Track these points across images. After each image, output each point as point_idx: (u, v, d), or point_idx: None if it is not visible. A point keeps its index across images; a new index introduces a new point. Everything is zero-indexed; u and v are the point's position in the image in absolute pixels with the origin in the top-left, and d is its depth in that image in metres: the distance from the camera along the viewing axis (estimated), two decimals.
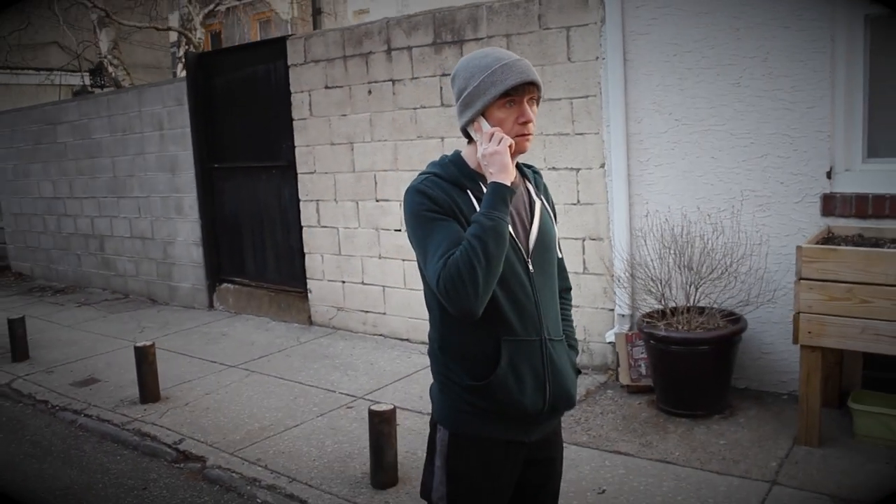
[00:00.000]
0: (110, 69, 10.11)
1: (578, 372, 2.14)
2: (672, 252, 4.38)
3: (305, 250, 6.71)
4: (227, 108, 7.23)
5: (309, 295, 6.74)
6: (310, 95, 6.41)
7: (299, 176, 6.62)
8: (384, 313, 6.18)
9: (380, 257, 6.15)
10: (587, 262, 4.96)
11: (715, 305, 4.28)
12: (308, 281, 6.73)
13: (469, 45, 5.34)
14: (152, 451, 4.36)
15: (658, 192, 4.64)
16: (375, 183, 6.08)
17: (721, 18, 4.30)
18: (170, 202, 7.89)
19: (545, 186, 2.11)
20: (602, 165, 4.85)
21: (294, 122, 6.56)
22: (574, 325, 2.24)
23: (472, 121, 1.88)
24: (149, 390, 5.02)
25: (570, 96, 4.92)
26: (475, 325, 1.87)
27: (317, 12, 6.05)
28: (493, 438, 1.93)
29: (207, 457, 4.15)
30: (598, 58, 4.77)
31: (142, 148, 8.08)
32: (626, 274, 4.64)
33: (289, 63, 6.52)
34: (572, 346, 2.14)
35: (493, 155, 1.80)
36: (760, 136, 4.27)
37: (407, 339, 6.01)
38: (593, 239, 4.93)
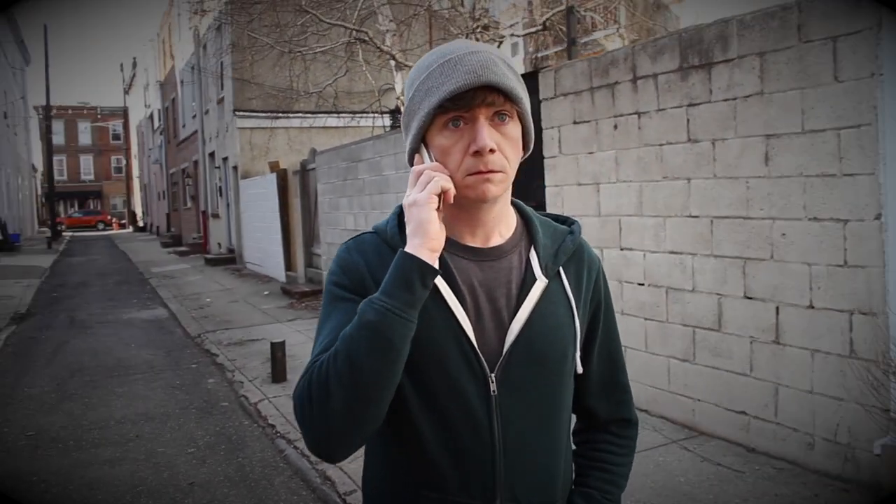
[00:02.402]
0: (403, 109, 10.58)
1: None
2: None
3: None
4: None
5: None
6: (559, 131, 5.92)
7: None
8: None
9: (622, 313, 5.40)
10: (854, 344, 3.74)
11: None
12: None
13: (718, 68, 4.43)
14: (324, 497, 4.24)
15: None
16: (620, 229, 5.37)
17: None
18: None
19: (588, 261, 1.39)
20: (878, 217, 3.63)
21: (545, 161, 6.12)
22: (622, 480, 1.45)
23: (415, 152, 1.29)
24: None
25: (836, 126, 3.78)
26: (393, 462, 1.31)
27: (571, 42, 5.56)
28: None
29: None
30: (873, 74, 3.58)
31: None
32: None
33: (540, 97, 6.10)
34: None
35: (410, 208, 1.19)
36: None
37: (646, 411, 5.18)
38: (863, 313, 3.71)
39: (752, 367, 4.38)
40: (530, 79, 6.33)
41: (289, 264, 14.25)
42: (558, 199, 5.99)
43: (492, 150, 1.21)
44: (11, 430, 5.74)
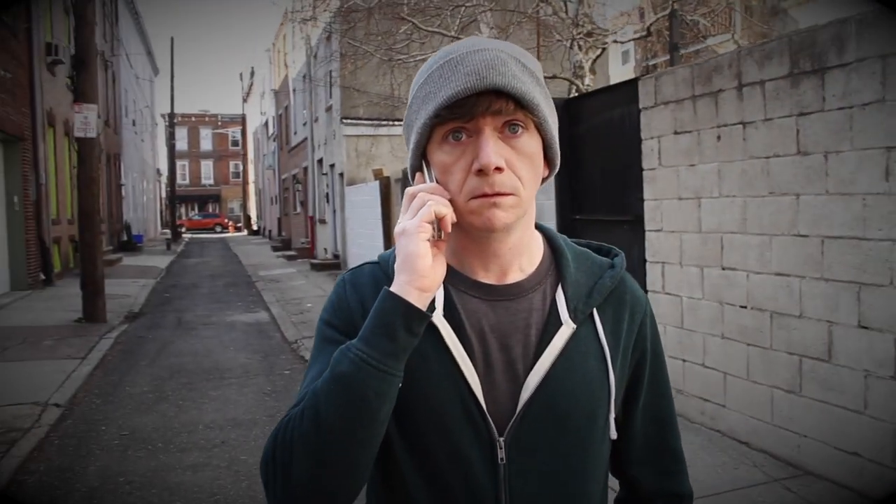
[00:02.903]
0: None
1: None
2: None
3: None
4: (588, 156, 6.77)
5: None
6: (659, 142, 5.60)
7: (647, 233, 5.82)
8: (723, 405, 5.04)
9: (722, 337, 5.03)
10: None
11: None
12: None
13: (832, 73, 4.04)
14: None
15: None
16: (721, 247, 5.01)
17: None
18: None
19: (631, 301, 1.16)
20: None
21: (644, 173, 5.81)
22: None
23: (417, 169, 1.10)
24: None
25: None
26: None
27: (674, 48, 5.19)
28: None
29: None
30: None
31: None
32: None
33: (640, 106, 5.80)
34: None
35: (399, 237, 1.01)
36: None
37: (745, 443, 4.79)
38: None
39: (866, 404, 3.96)
40: (629, 87, 6.05)
41: None
42: (657, 214, 5.67)
43: (499, 169, 1.00)
44: (109, 428, 5.93)
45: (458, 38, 9.79)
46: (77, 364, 7.88)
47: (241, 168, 66.14)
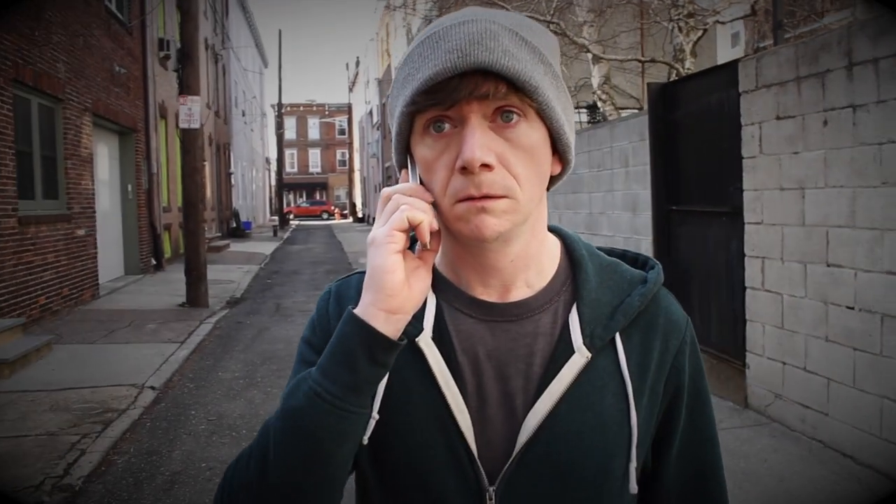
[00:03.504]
0: (599, 104, 10.06)
1: None
2: None
3: (747, 316, 5.50)
4: (685, 144, 6.41)
5: (746, 371, 5.50)
6: (760, 128, 5.22)
7: (746, 226, 5.45)
8: (826, 414, 4.65)
9: (826, 339, 4.64)
10: None
11: None
12: (747, 354, 5.50)
13: None
14: None
15: None
16: (827, 242, 4.61)
17: None
18: (630, 244, 7.41)
19: (665, 325, 0.96)
20: None
21: (743, 161, 5.43)
22: None
23: (402, 166, 0.94)
24: None
25: None
26: None
27: (777, 26, 4.73)
28: None
29: None
30: None
31: (611, 185, 7.78)
32: None
33: (740, 90, 5.42)
34: None
35: (369, 248, 0.84)
36: None
37: (850, 457, 4.40)
38: None
39: None
40: (728, 70, 5.67)
41: None
42: (757, 205, 5.29)
43: (486, 166, 0.82)
44: (198, 413, 6.07)
45: (552, 22, 9.53)
46: (175, 348, 8.15)
47: (347, 156, 67.60)
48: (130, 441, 5.33)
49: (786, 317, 5.03)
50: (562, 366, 0.90)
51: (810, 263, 4.77)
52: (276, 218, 44.84)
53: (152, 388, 6.59)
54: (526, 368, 0.92)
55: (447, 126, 0.84)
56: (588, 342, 0.91)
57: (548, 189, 0.95)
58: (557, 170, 0.93)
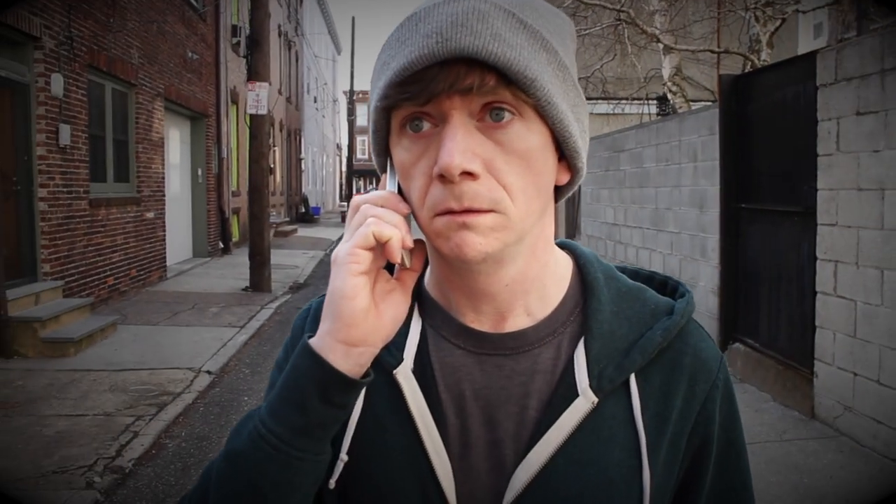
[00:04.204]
0: (669, 96, 9.71)
1: None
2: None
3: (817, 323, 5.20)
4: (756, 139, 6.11)
5: (814, 380, 5.21)
6: (838, 124, 4.91)
7: (819, 227, 5.15)
8: None
9: None
10: None
11: None
12: (815, 362, 5.21)
13: None
14: None
15: None
16: None
17: None
18: (696, 242, 7.14)
19: (691, 366, 0.80)
20: None
21: (818, 159, 5.13)
22: None
23: (383, 169, 0.80)
24: None
25: None
26: None
27: (862, 15, 4.41)
28: None
29: None
30: None
31: (678, 180, 7.51)
32: None
33: (817, 83, 5.11)
34: None
35: (332, 265, 0.72)
36: None
37: None
38: None
39: None
40: (806, 61, 5.36)
41: None
42: (832, 206, 4.99)
43: (469, 174, 0.68)
44: (251, 399, 6.12)
45: (622, 10, 9.23)
46: (235, 333, 8.25)
47: None
48: (183, 425, 5.40)
49: (859, 325, 4.73)
50: (562, 411, 0.76)
51: (888, 270, 4.46)
52: (345, 204, 45.32)
53: (208, 372, 6.67)
54: (519, 412, 0.78)
55: (426, 125, 0.71)
56: (595, 384, 0.76)
57: (556, 201, 0.82)
58: (565, 179, 0.78)
